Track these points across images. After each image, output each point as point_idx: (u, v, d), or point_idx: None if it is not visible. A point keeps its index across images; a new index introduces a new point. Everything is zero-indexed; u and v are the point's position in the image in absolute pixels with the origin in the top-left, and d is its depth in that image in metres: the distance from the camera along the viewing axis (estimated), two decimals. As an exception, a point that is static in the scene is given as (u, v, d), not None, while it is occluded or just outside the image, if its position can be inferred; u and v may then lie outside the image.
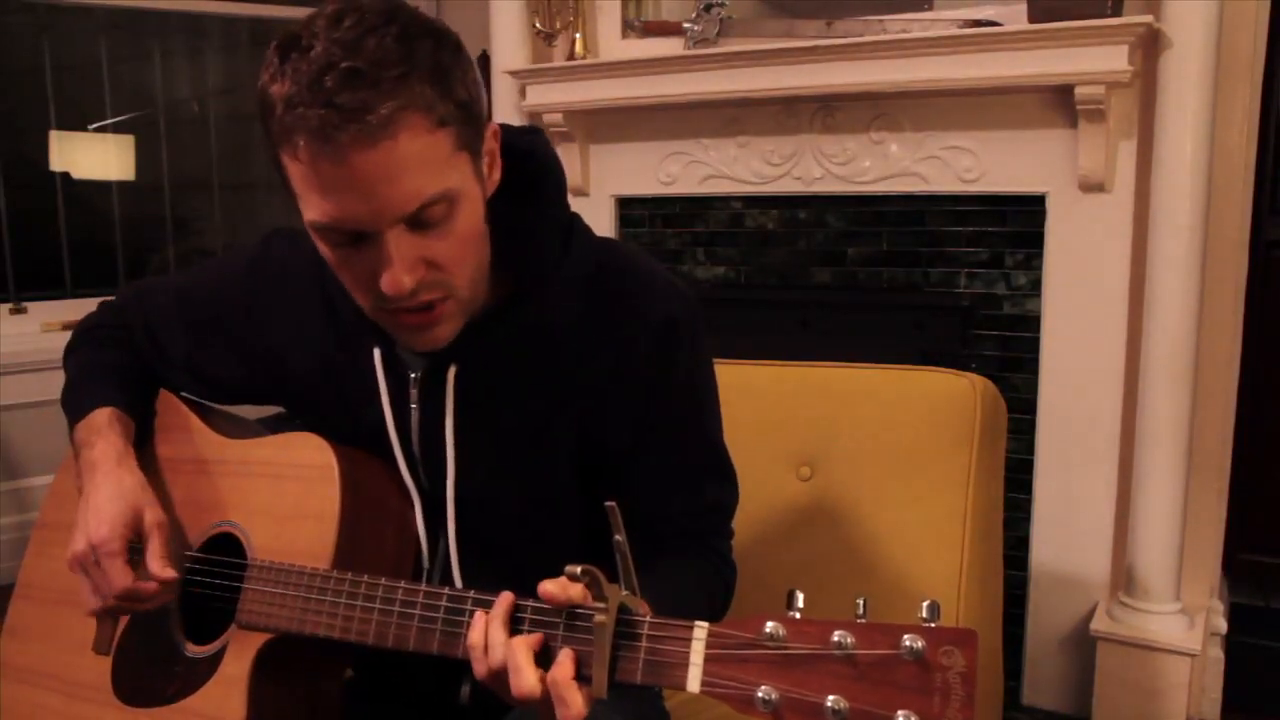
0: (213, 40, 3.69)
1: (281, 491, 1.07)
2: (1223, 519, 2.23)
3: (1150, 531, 2.08)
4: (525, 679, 0.81)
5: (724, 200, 2.59)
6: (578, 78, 2.61)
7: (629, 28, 2.71)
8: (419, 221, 0.89)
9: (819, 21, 2.38)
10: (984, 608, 1.43)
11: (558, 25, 2.68)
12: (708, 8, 2.50)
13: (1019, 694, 2.35)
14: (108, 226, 3.57)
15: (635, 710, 1.09)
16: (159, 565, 1.04)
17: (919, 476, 1.44)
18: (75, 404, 1.17)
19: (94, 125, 3.53)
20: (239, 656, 1.03)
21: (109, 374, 1.20)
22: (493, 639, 0.84)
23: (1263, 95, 2.12)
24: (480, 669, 0.85)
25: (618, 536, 0.78)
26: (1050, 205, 2.21)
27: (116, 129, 3.56)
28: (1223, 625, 2.25)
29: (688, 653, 0.77)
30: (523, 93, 2.69)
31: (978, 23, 2.19)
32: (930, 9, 2.39)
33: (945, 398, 1.45)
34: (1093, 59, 2.02)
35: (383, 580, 0.96)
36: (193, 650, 1.08)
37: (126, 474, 1.09)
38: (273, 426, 1.18)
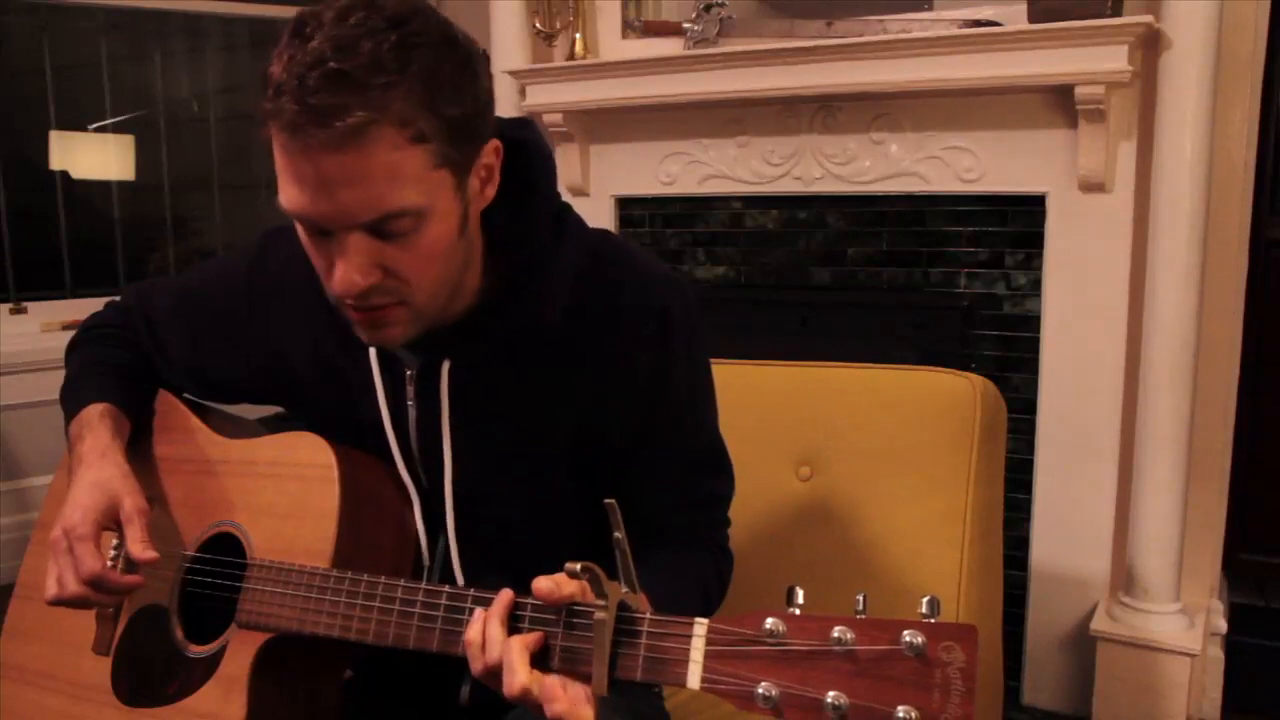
0: (213, 40, 3.69)
1: (281, 491, 1.07)
2: (1223, 519, 2.23)
3: (1150, 531, 2.08)
4: (517, 678, 0.81)
5: (724, 200, 2.59)
6: (578, 78, 2.61)
7: (629, 28, 2.71)
8: (380, 230, 0.88)
9: (819, 21, 2.38)
10: (984, 607, 1.43)
11: (558, 25, 2.68)
12: (708, 8, 2.50)
13: (1019, 694, 2.35)
14: (108, 226, 3.57)
15: (635, 710, 1.09)
16: (139, 548, 1.03)
17: (919, 476, 1.44)
18: (71, 400, 1.18)
19: (94, 125, 3.53)
20: (239, 656, 1.02)
21: (107, 371, 1.20)
22: (490, 636, 0.84)
23: (1263, 95, 2.12)
24: (477, 666, 0.85)
25: (617, 534, 0.78)
26: (1050, 205, 2.21)
27: (116, 129, 3.56)
28: (1223, 625, 2.25)
29: (688, 649, 0.77)
30: (523, 93, 2.70)
31: (978, 23, 2.19)
32: (930, 9, 2.39)
33: (945, 398, 1.45)
34: (1093, 59, 2.02)
35: (382, 579, 0.96)
36: (192, 650, 1.08)
37: (108, 465, 1.09)
38: (272, 426, 1.17)
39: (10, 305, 3.29)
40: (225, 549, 1.09)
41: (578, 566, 0.78)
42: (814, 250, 2.50)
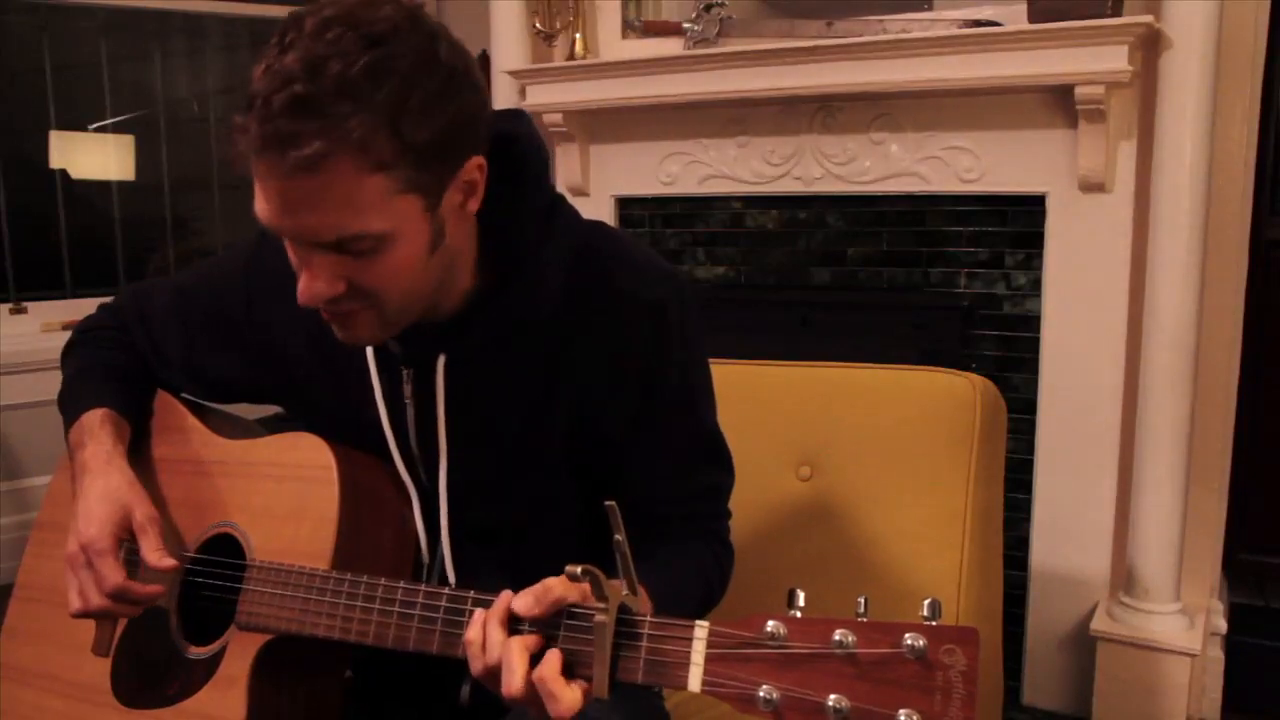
0: (213, 40, 3.69)
1: (281, 492, 1.07)
2: (1222, 519, 2.23)
3: (1150, 531, 2.08)
4: (515, 678, 0.81)
5: (724, 200, 2.59)
6: (578, 78, 2.61)
7: (629, 28, 2.71)
8: (342, 249, 0.88)
9: (819, 21, 2.38)
10: (984, 608, 1.43)
11: (558, 25, 2.68)
12: (708, 8, 2.50)
13: (1019, 694, 2.35)
14: (108, 226, 3.57)
15: (635, 710, 1.09)
16: (156, 557, 1.04)
17: (919, 476, 1.44)
18: (70, 406, 1.17)
19: (94, 125, 3.53)
20: (238, 657, 1.02)
21: (104, 375, 1.20)
22: (490, 637, 0.84)
23: (1263, 95, 2.12)
24: (477, 666, 0.85)
25: (617, 536, 0.78)
26: (1050, 205, 2.21)
27: (116, 129, 3.56)
28: (1223, 625, 2.25)
29: (689, 652, 0.77)
30: (523, 93, 2.69)
31: (978, 23, 2.19)
32: (930, 9, 2.39)
33: (945, 398, 1.45)
34: (1093, 59, 2.02)
35: (382, 580, 0.96)
36: (192, 651, 1.08)
37: (114, 473, 1.09)
38: (271, 427, 1.17)
39: (10, 305, 3.29)
40: (225, 550, 1.08)
41: (578, 569, 0.78)
42: (814, 250, 2.50)
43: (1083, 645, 2.21)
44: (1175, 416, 2.04)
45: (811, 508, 1.48)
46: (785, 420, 1.52)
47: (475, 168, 0.93)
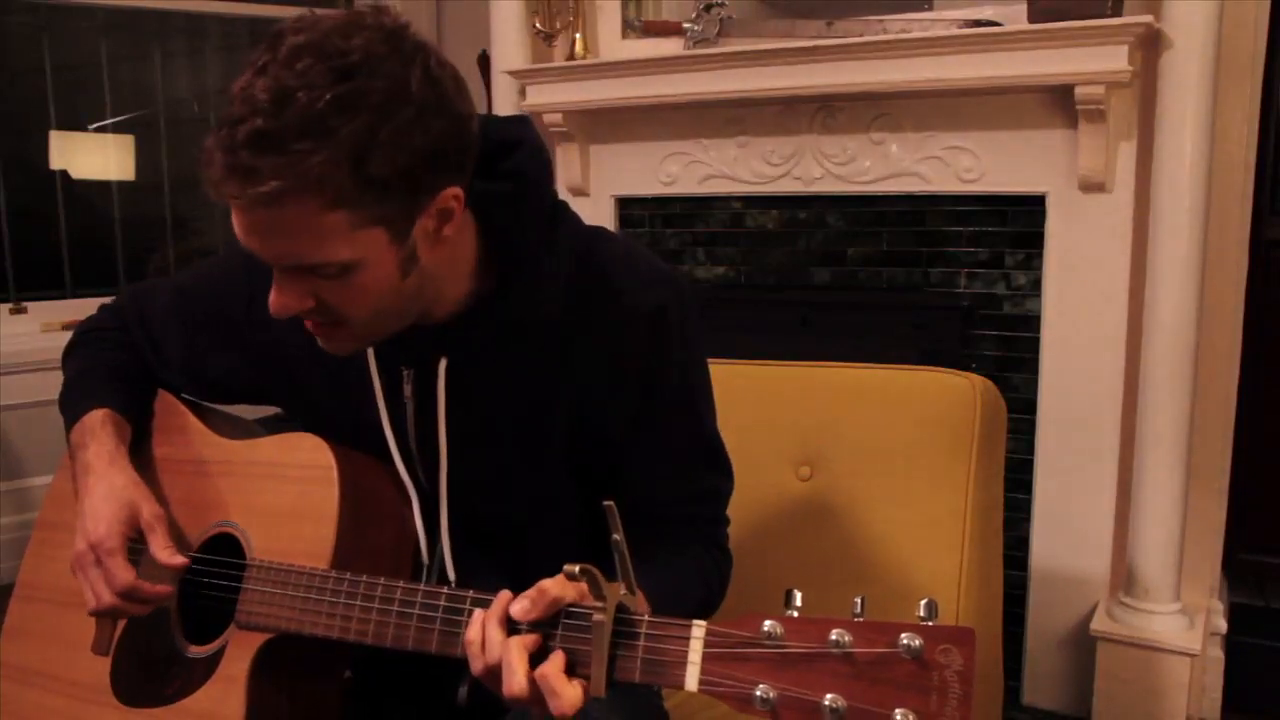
0: (213, 40, 3.69)
1: (281, 492, 1.07)
2: (1223, 519, 2.23)
3: (1150, 531, 2.08)
4: (516, 678, 0.81)
5: (724, 200, 2.59)
6: (578, 78, 2.61)
7: (629, 28, 2.71)
8: (309, 271, 0.90)
9: (819, 21, 2.38)
10: (984, 608, 1.43)
11: (558, 25, 2.68)
12: (708, 8, 2.50)
13: (1019, 694, 2.35)
14: (108, 226, 3.57)
15: (634, 709, 1.09)
16: (167, 554, 1.05)
17: (919, 476, 1.44)
18: (71, 406, 1.17)
19: (94, 125, 3.53)
20: (238, 657, 1.03)
21: (105, 376, 1.20)
22: (490, 637, 0.84)
23: (1263, 95, 2.12)
24: (477, 666, 0.85)
25: (615, 536, 0.78)
26: (1050, 205, 2.20)
27: (116, 129, 3.56)
28: (1223, 625, 2.25)
29: (686, 651, 0.77)
30: (523, 93, 2.70)
31: (978, 23, 2.19)
32: (930, 9, 2.39)
33: (945, 398, 1.45)
34: (1093, 59, 2.02)
35: (381, 580, 0.96)
36: (192, 650, 1.08)
37: (118, 473, 1.09)
38: (271, 427, 1.17)
39: (10, 305, 3.29)
40: (225, 550, 1.09)
41: (576, 569, 0.78)
42: (814, 250, 2.50)
43: (1083, 645, 2.21)
44: (1175, 416, 2.04)
45: (811, 508, 1.48)
46: (785, 420, 1.52)
47: (451, 197, 0.91)
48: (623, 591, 0.81)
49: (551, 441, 1.06)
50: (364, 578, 0.97)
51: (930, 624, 0.71)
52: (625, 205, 2.74)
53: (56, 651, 1.16)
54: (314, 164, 0.82)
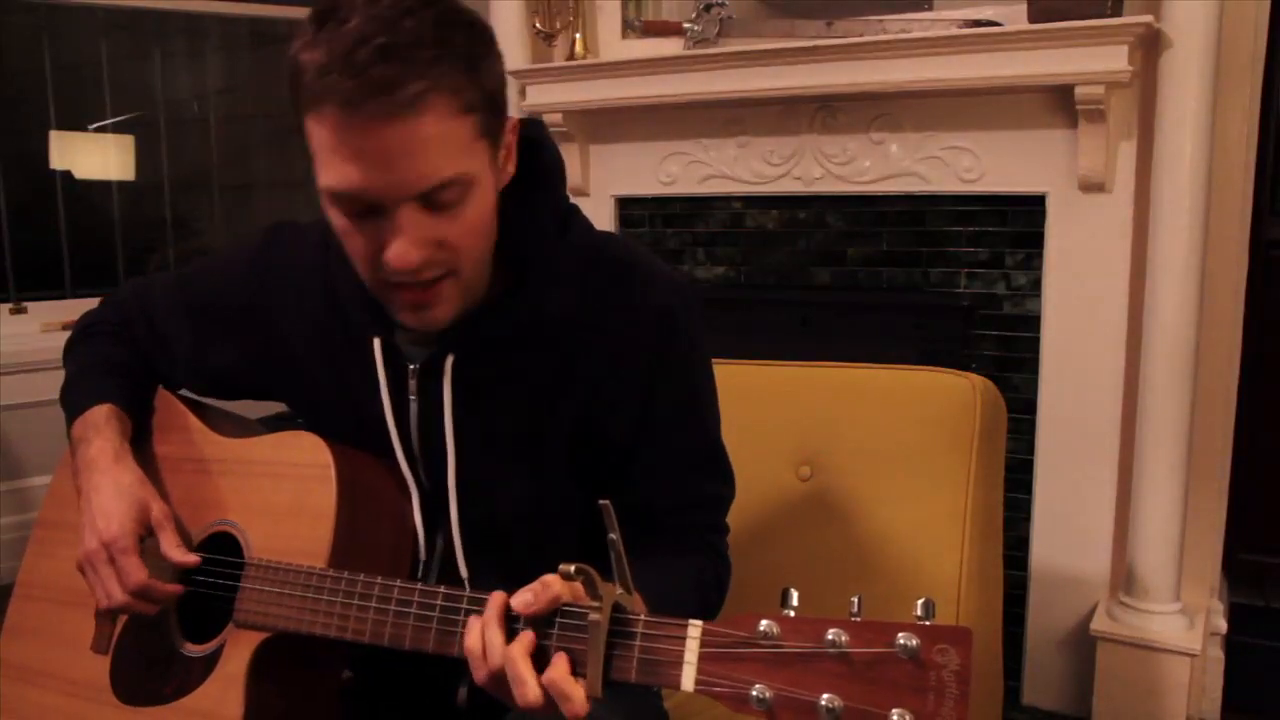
0: (213, 40, 3.69)
1: (279, 490, 1.07)
2: (1223, 519, 2.23)
3: (1150, 531, 2.08)
4: (530, 690, 0.81)
5: (724, 200, 2.59)
6: (578, 78, 2.61)
7: (629, 28, 2.71)
8: (432, 201, 0.90)
9: (819, 21, 2.38)
10: (984, 607, 1.42)
11: (558, 25, 2.68)
12: (708, 8, 2.50)
13: (1019, 694, 2.35)
14: (108, 226, 3.57)
15: (633, 709, 1.09)
16: (179, 553, 1.06)
17: (919, 476, 1.44)
18: (73, 400, 1.17)
19: (94, 125, 3.53)
20: (236, 655, 1.03)
21: (107, 370, 1.20)
22: (490, 640, 0.84)
23: (1263, 95, 2.12)
24: (480, 673, 0.85)
25: (612, 535, 0.78)
26: (1050, 205, 2.20)
27: (116, 129, 3.56)
28: (1223, 625, 2.25)
29: (682, 651, 0.77)
30: (523, 93, 2.69)
31: (978, 23, 2.19)
32: (930, 9, 2.39)
33: (945, 398, 1.45)
34: (1092, 59, 2.01)
35: (379, 579, 0.96)
36: (190, 649, 1.08)
37: (125, 471, 1.09)
38: (271, 426, 1.17)
39: (10, 305, 3.28)
40: (223, 548, 1.09)
41: (571, 568, 0.78)
42: (814, 250, 2.50)
43: (1083, 645, 2.21)
44: (1175, 416, 2.04)
45: (811, 508, 1.48)
46: (785, 420, 1.52)
47: (511, 128, 0.98)
48: (619, 591, 0.80)
49: (555, 442, 1.06)
50: (361, 576, 0.97)
51: (927, 624, 0.71)
52: (625, 205, 2.74)
53: (56, 650, 1.16)
54: (445, 68, 0.86)
